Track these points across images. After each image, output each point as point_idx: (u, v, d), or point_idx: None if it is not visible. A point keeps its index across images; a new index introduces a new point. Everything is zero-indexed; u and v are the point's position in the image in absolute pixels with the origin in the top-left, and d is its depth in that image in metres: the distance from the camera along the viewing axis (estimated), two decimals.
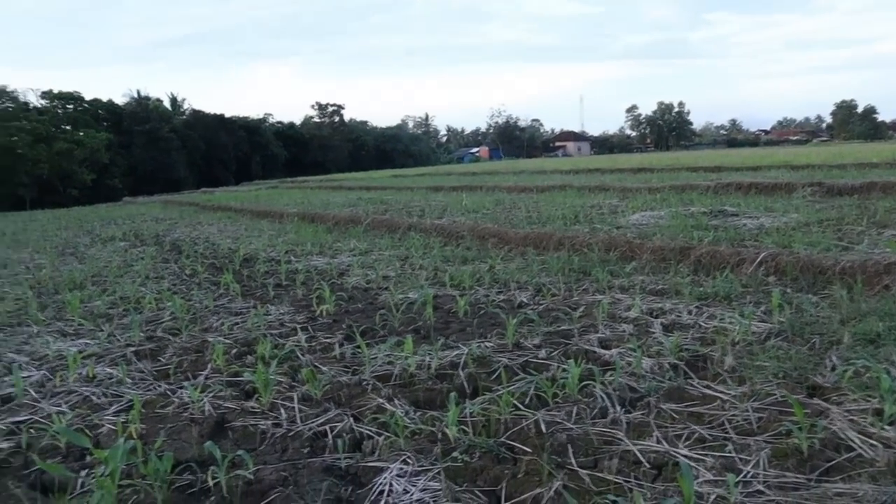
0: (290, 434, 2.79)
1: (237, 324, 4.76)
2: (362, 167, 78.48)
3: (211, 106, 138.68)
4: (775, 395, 2.85)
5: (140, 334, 4.59)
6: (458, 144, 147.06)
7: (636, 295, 4.85)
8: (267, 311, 5.13)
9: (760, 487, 2.17)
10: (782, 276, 4.99)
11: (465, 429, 2.71)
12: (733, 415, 2.74)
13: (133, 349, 4.25)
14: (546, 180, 20.04)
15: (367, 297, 5.53)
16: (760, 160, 20.40)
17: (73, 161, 63.38)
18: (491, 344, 3.90)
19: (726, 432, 2.61)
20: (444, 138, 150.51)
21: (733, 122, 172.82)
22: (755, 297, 4.56)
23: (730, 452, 2.42)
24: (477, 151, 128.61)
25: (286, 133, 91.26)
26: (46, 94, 69.52)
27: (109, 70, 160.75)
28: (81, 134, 66.11)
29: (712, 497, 2.12)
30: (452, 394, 2.83)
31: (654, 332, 3.93)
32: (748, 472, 2.27)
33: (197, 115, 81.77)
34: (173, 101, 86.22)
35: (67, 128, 68.46)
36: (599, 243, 6.59)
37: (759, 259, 5.13)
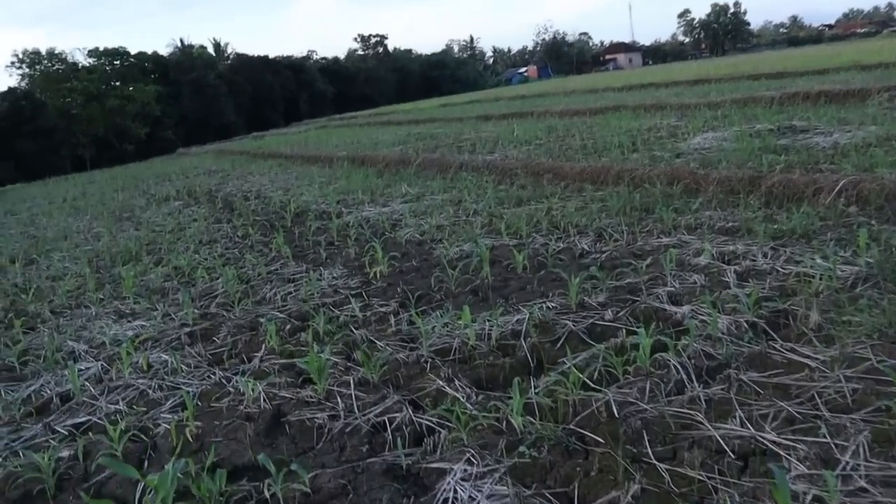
0: (347, 429, 2.67)
1: (290, 293, 4.66)
2: (409, 97, 77.62)
3: (254, 48, 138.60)
4: (870, 359, 2.59)
5: (194, 311, 4.53)
6: (505, 65, 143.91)
7: (705, 236, 4.56)
8: (320, 275, 5.02)
9: (863, 483, 1.94)
10: (865, 205, 4.61)
11: (532, 418, 2.54)
12: (824, 387, 2.50)
13: (188, 330, 4.19)
14: (598, 100, 19.35)
15: (422, 252, 5.36)
16: (826, 61, 19.24)
17: (126, 116, 64.45)
18: (553, 304, 3.70)
19: (818, 409, 2.38)
20: (491, 60, 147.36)
21: (794, 19, 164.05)
22: (836, 233, 4.22)
23: (824, 436, 2.19)
24: (525, 71, 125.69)
25: (331, 69, 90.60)
26: (93, 52, 70.23)
27: (150, 21, 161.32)
28: (131, 89, 66.90)
29: (808, 498, 1.91)
30: (516, 379, 2.65)
31: (727, 282, 3.66)
32: (847, 464, 2.04)
33: (241, 58, 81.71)
34: (216, 46, 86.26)
35: (117, 84, 69.29)
36: (661, 176, 6.24)
37: (837, 188, 4.75)
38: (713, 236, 4.54)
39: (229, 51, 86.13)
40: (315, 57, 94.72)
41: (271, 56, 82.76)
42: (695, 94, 16.01)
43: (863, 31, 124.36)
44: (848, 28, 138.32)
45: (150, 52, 74.75)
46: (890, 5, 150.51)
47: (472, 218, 6.30)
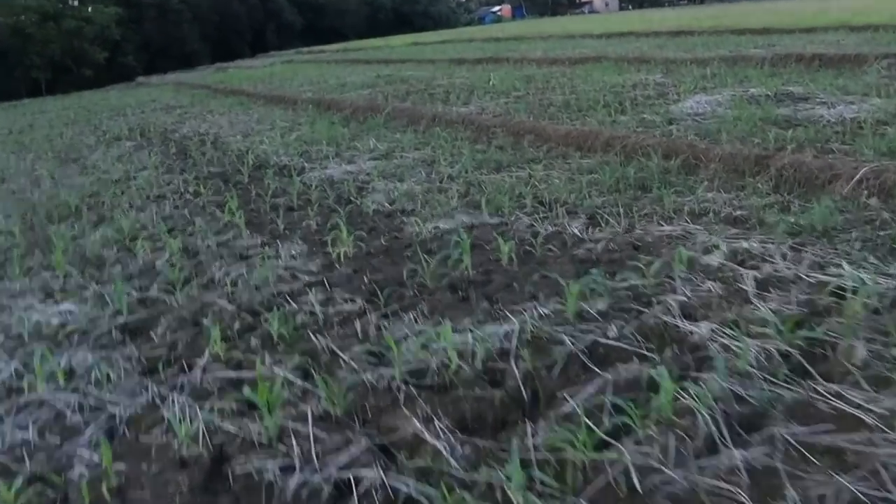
0: (303, 489, 2.15)
1: (242, 275, 4.08)
2: (380, 32, 75.49)
3: None
4: None
5: (133, 293, 3.94)
6: (479, 3, 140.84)
7: (712, 226, 4.07)
8: (276, 251, 4.44)
9: None
10: (888, 198, 4.15)
11: (532, 482, 2.05)
12: (889, 455, 2.05)
13: (122, 320, 3.61)
14: (577, 48, 18.65)
15: (391, 228, 4.79)
16: (813, 20, 18.68)
17: (84, 39, 61.70)
18: (546, 311, 3.18)
19: (885, 489, 1.92)
20: None
21: None
22: (860, 231, 3.76)
23: None
24: (499, 10, 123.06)
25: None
26: None
27: None
28: (90, 10, 63.85)
29: None
30: (514, 442, 2.14)
31: (746, 292, 3.18)
32: None
33: None
34: None
35: (75, 4, 66.12)
36: (656, 147, 5.71)
37: (857, 176, 4.28)
38: (722, 227, 4.05)
39: None
40: None
41: None
42: (679, 48, 15.41)
43: None
44: None
45: None
46: None
47: (447, 184, 5.74)
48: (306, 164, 7.26)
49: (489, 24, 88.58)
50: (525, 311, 3.18)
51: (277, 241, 4.71)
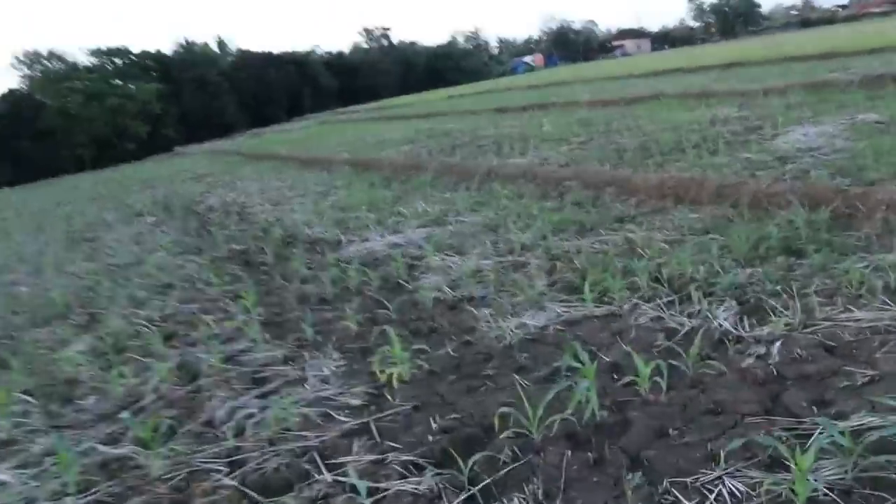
0: None
1: (252, 416, 2.83)
2: (414, 89, 75.83)
3: (259, 44, 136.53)
4: None
5: (95, 451, 2.71)
6: (511, 55, 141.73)
7: None
8: (302, 372, 3.20)
9: None
10: None
11: None
12: None
13: None
14: (627, 88, 17.47)
15: (459, 326, 3.51)
16: (866, 41, 17.33)
17: (127, 115, 63.05)
18: (743, 488, 1.86)
19: None
20: (496, 50, 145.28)
21: (805, 0, 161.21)
22: None
23: None
24: (531, 60, 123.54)
25: (335, 63, 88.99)
26: (95, 52, 68.74)
27: (156, 20, 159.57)
28: (132, 87, 65.35)
29: None
30: None
31: None
32: None
33: (244, 55, 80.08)
34: (220, 43, 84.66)
35: (118, 82, 67.73)
36: (790, 195, 4.38)
37: None
38: None
39: (233, 47, 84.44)
40: (319, 51, 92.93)
41: (275, 52, 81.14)
42: (741, 79, 14.12)
43: (879, 10, 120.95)
44: (863, 8, 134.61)
45: (153, 50, 73.26)
46: None
47: (522, 256, 4.47)
48: (343, 237, 6.08)
49: (522, 74, 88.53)
50: (706, 488, 1.86)
51: (304, 352, 3.46)
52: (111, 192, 16.00)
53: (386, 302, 3.90)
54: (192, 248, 6.88)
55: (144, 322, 4.41)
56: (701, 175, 5.41)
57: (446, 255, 4.84)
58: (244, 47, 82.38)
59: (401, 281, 4.45)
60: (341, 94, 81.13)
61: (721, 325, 2.95)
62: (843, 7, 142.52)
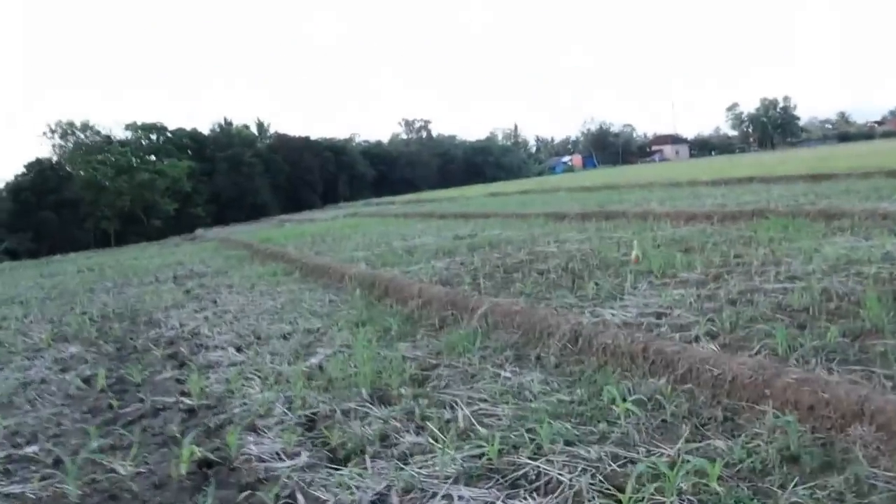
0: None
1: None
2: (451, 182, 74.25)
3: (298, 129, 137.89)
4: None
5: None
6: (548, 154, 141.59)
7: None
8: None
9: None
10: None
11: None
12: None
13: None
14: (696, 197, 14.55)
15: None
16: None
17: (156, 191, 61.77)
18: None
19: None
20: (534, 148, 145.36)
21: (842, 115, 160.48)
22: None
23: None
24: (569, 161, 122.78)
25: (373, 152, 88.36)
26: (130, 126, 68.43)
27: (205, 99, 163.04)
28: (164, 164, 64.33)
29: None
30: None
31: None
32: None
33: (281, 138, 79.60)
34: (260, 126, 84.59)
35: (151, 158, 66.93)
36: None
37: None
38: None
39: (272, 130, 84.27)
40: (358, 139, 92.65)
41: (313, 137, 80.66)
42: (837, 193, 11.18)
43: None
44: None
45: (189, 128, 72.90)
46: None
47: None
48: (314, 478, 3.04)
49: (560, 174, 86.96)
50: None
51: None
52: (78, 286, 13.21)
53: None
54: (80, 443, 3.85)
55: None
56: None
57: None
58: (283, 131, 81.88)
59: None
60: (378, 184, 79.94)
61: None
62: (879, 123, 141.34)
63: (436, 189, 61.75)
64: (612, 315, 4.98)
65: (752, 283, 5.77)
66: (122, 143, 64.94)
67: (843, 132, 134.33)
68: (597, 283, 6.30)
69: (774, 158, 37.23)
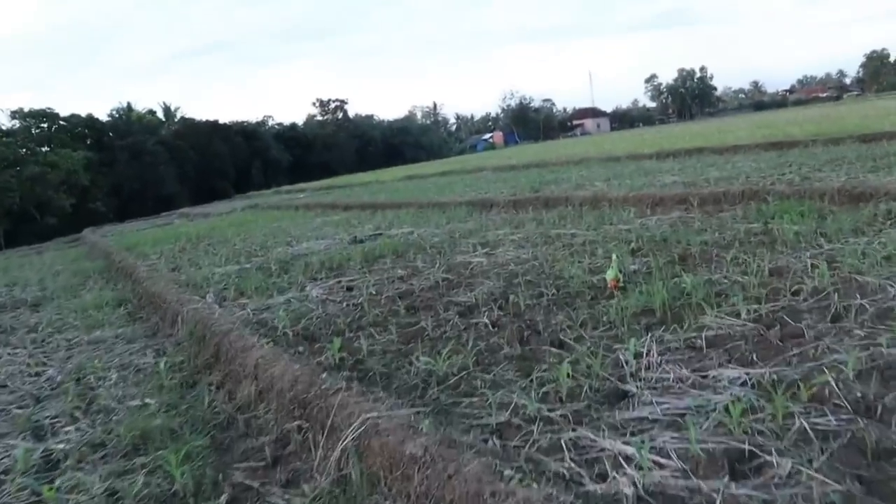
0: None
1: None
2: (370, 165, 70.82)
3: (209, 114, 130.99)
4: None
5: None
6: (469, 132, 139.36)
7: None
8: None
9: None
10: None
11: None
12: None
13: None
14: (654, 174, 12.05)
15: None
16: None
17: (48, 186, 56.11)
18: None
19: None
20: (454, 126, 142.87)
21: (755, 84, 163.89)
22: None
23: None
24: (490, 137, 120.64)
25: (287, 135, 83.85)
26: (17, 114, 62.29)
27: (112, 90, 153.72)
28: (57, 155, 58.60)
29: None
30: None
31: None
32: None
33: (186, 123, 74.40)
34: (167, 111, 79.23)
35: (43, 149, 61.08)
36: None
37: None
38: None
39: (179, 116, 79.06)
40: (271, 122, 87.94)
41: (222, 121, 75.82)
42: (850, 166, 8.82)
43: (824, 95, 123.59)
44: (810, 93, 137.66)
45: (84, 114, 66.88)
46: (840, 72, 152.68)
47: None
48: None
49: (482, 152, 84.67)
50: None
51: None
52: None
53: None
54: None
55: None
56: None
57: None
58: (194, 117, 76.68)
59: None
60: (294, 169, 75.63)
61: None
62: (789, 92, 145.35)
63: (354, 172, 58.40)
64: (633, 477, 2.21)
65: (801, 314, 3.12)
66: (8, 133, 58.83)
67: (759, 101, 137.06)
68: (569, 351, 3.54)
69: (708, 128, 35.44)
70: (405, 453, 2.41)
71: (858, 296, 3.71)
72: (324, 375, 3.27)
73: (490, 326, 4.23)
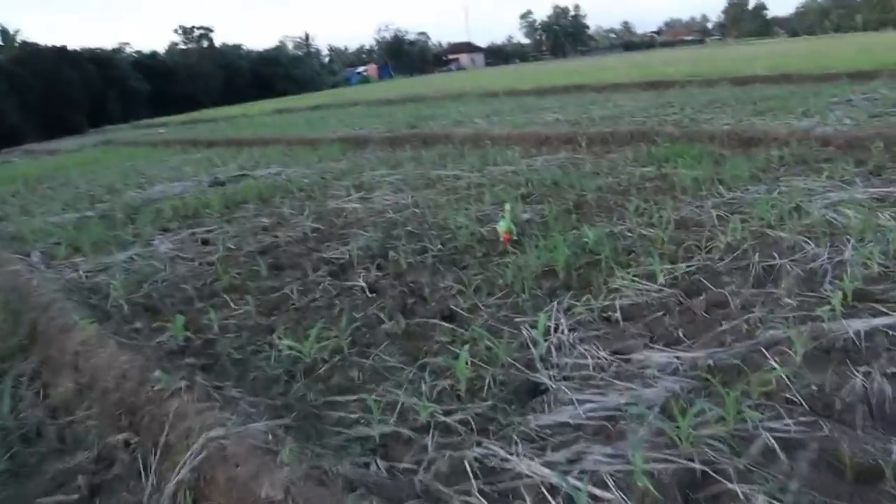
0: None
1: None
2: (238, 97, 67.20)
3: (56, 40, 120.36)
4: None
5: None
6: (343, 64, 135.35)
7: None
8: None
9: None
10: None
11: None
12: None
13: None
14: (535, 111, 11.64)
15: None
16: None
17: None
18: None
19: None
20: (328, 59, 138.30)
21: (626, 25, 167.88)
22: None
23: None
24: (365, 70, 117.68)
25: (147, 63, 78.18)
26: None
27: None
28: None
29: None
30: None
31: None
32: None
33: (28, 48, 67.81)
34: (4, 34, 71.74)
35: None
36: None
37: None
38: None
39: (20, 40, 71.88)
40: (128, 50, 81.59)
41: (72, 47, 69.57)
42: (732, 109, 8.70)
43: (689, 38, 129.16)
44: (675, 35, 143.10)
45: None
46: (704, 16, 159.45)
47: None
48: None
49: (356, 85, 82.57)
50: None
51: None
52: None
53: None
54: None
55: None
56: None
57: None
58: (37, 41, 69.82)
59: None
60: (155, 101, 70.65)
61: None
62: (657, 34, 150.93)
63: (221, 105, 55.21)
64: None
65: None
66: None
67: (629, 41, 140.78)
68: (463, 326, 2.97)
69: (582, 66, 35.60)
70: (259, 496, 1.78)
71: (776, 255, 3.34)
72: (157, 373, 2.55)
73: (367, 292, 3.60)
